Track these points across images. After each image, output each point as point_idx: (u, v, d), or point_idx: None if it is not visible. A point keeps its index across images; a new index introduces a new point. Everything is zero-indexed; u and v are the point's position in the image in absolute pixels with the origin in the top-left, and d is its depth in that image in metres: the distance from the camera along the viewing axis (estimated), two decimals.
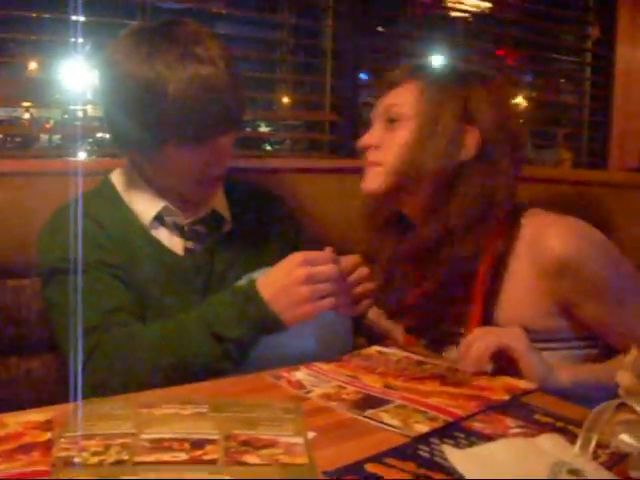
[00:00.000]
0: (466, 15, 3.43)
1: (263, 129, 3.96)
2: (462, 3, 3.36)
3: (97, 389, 1.34)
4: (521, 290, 1.48)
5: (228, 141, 1.57)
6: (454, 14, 3.38)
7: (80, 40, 2.14)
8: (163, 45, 1.50)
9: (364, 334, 1.74)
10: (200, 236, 1.67)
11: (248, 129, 3.36)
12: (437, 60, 1.69)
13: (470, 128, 1.49)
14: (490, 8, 3.47)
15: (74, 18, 2.11)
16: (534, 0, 3.55)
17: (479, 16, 3.50)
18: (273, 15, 2.71)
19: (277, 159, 2.70)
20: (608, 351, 1.48)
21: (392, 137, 1.53)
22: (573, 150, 3.85)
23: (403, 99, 1.54)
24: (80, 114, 2.55)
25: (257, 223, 1.75)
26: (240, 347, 1.40)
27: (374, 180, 1.54)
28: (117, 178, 1.69)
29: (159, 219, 1.64)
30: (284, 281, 1.39)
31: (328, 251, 1.43)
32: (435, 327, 1.59)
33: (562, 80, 4.10)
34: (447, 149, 1.48)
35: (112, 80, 1.54)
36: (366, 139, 1.57)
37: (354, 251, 1.58)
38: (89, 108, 2.71)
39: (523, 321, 1.44)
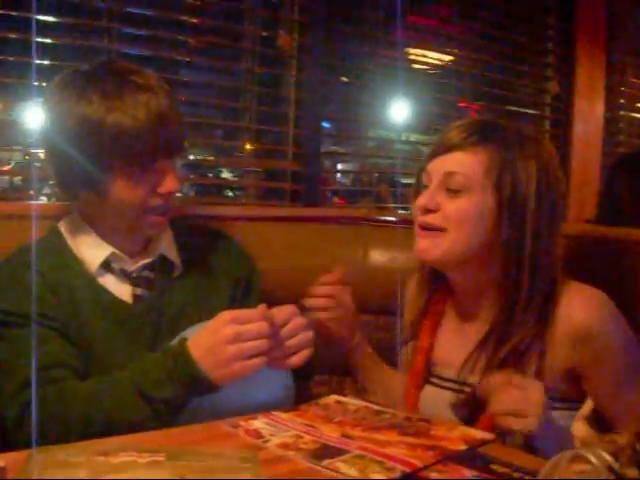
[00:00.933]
0: (429, 68, 3.48)
1: (225, 175, 3.96)
2: (425, 56, 3.42)
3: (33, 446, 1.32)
4: (546, 355, 1.47)
5: (172, 166, 1.57)
6: (417, 67, 3.42)
7: (44, 84, 2.14)
8: (99, 78, 1.51)
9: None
10: (149, 282, 1.64)
11: (210, 175, 3.37)
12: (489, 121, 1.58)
13: (536, 202, 1.47)
14: (452, 61, 3.52)
15: (38, 62, 2.11)
16: (496, 55, 3.62)
17: (442, 69, 3.55)
18: (237, 63, 2.72)
19: (238, 207, 2.70)
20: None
21: (453, 205, 1.49)
22: None
23: (468, 168, 1.49)
24: (42, 156, 2.53)
25: (207, 267, 1.72)
26: (170, 407, 1.38)
27: (433, 249, 1.51)
28: (65, 226, 1.66)
29: (106, 266, 1.61)
30: (211, 340, 1.37)
31: (260, 308, 1.40)
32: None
33: None
34: (517, 224, 1.47)
35: (52, 121, 1.54)
36: (425, 202, 1.51)
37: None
38: None
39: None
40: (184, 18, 2.53)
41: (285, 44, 2.67)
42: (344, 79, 3.10)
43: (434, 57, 3.45)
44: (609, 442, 0.93)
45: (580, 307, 1.46)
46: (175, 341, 1.44)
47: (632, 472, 0.90)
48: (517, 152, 1.49)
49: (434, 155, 1.55)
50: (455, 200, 1.49)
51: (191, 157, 2.76)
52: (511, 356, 1.46)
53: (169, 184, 1.56)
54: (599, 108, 3.78)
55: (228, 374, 1.37)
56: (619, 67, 3.94)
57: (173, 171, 1.57)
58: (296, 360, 1.46)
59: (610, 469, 0.87)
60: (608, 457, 0.89)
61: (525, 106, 3.86)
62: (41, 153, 2.25)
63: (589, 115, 3.73)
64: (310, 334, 1.49)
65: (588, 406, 0.97)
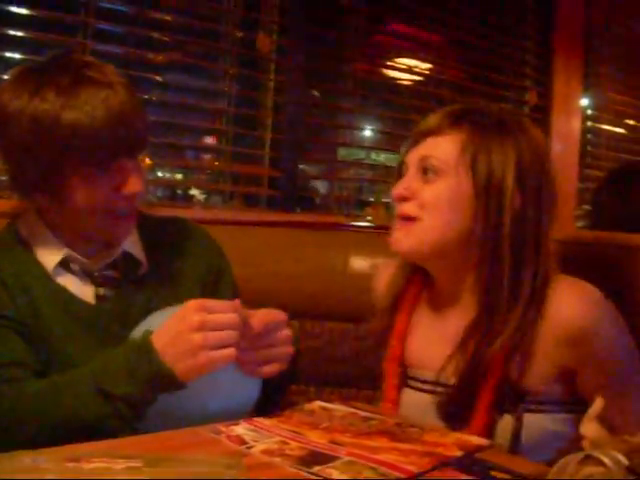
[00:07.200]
0: (407, 77, 3.45)
1: (194, 192, 3.90)
2: (404, 65, 3.39)
3: None
4: (533, 354, 1.39)
5: (134, 165, 1.46)
6: (394, 74, 3.39)
7: None
8: (54, 75, 1.41)
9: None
10: (113, 282, 1.55)
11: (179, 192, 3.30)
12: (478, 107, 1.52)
13: (515, 186, 1.38)
14: (430, 69, 3.49)
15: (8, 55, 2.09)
16: (474, 64, 3.60)
17: (421, 78, 3.52)
18: (215, 64, 2.67)
19: (213, 210, 2.65)
20: None
21: (428, 190, 1.41)
22: None
23: (442, 151, 1.42)
24: None
25: (175, 262, 1.63)
26: (132, 405, 1.28)
27: (407, 239, 1.43)
28: (22, 223, 1.56)
29: (65, 266, 1.51)
30: (176, 329, 1.28)
31: (232, 302, 1.32)
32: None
33: None
34: (494, 210, 1.38)
35: (5, 120, 1.42)
36: (399, 190, 1.44)
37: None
38: None
39: (525, 383, 1.38)
40: (160, 16, 2.47)
41: (264, 46, 2.62)
42: (316, 93, 3.06)
43: (412, 65, 3.42)
44: (621, 442, 0.88)
45: (572, 304, 1.36)
46: (139, 333, 1.35)
47: None
48: (494, 135, 1.41)
49: (412, 145, 1.49)
50: (430, 185, 1.42)
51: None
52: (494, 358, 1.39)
53: (132, 185, 1.46)
54: (576, 120, 3.79)
55: (193, 366, 1.27)
56: (596, 80, 3.95)
57: (136, 171, 1.47)
58: (267, 370, 1.38)
59: (629, 469, 0.81)
60: (622, 458, 0.84)
61: None
62: None
63: (566, 127, 3.74)
64: (290, 350, 1.41)
65: (598, 404, 0.91)
